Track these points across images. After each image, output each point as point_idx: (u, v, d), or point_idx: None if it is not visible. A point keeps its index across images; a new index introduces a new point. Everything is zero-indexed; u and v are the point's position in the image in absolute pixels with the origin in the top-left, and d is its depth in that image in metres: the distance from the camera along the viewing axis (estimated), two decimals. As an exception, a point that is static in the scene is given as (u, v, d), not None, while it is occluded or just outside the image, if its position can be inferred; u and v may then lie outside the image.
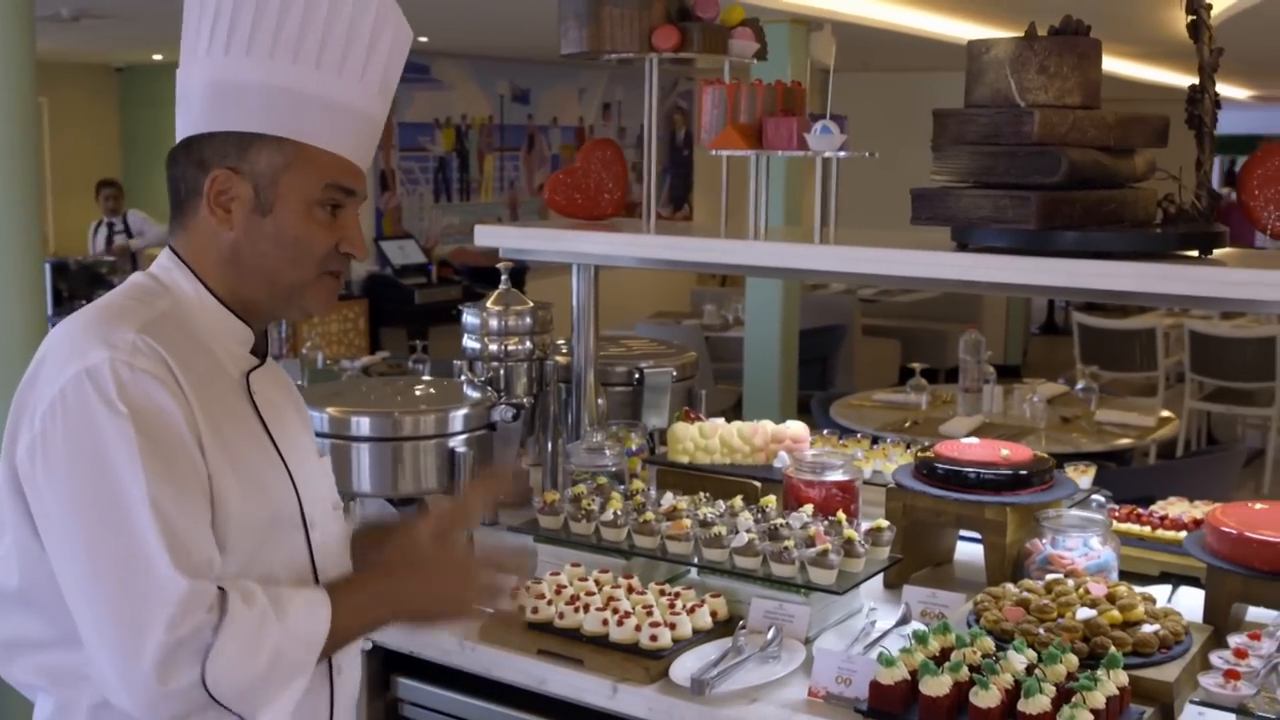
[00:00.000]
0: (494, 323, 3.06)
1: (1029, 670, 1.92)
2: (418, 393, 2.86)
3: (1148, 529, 2.62)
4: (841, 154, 2.50)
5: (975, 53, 2.31)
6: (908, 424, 5.46)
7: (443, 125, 10.96)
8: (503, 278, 3.13)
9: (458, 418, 2.72)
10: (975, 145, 2.28)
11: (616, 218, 2.99)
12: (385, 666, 2.47)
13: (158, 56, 11.43)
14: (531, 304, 3.11)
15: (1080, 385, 5.83)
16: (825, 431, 3.15)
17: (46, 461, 1.58)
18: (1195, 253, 2.24)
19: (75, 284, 9.13)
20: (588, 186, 2.95)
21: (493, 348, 3.06)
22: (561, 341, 3.16)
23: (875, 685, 1.92)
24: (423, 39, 9.58)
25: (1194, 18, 2.28)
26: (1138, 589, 2.24)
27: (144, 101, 12.30)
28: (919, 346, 10.01)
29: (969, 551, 2.66)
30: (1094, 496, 2.75)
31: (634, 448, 2.98)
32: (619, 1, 2.67)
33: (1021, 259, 2.23)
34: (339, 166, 1.74)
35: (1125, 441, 5.44)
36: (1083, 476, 2.80)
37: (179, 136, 1.75)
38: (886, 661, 1.92)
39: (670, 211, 13.23)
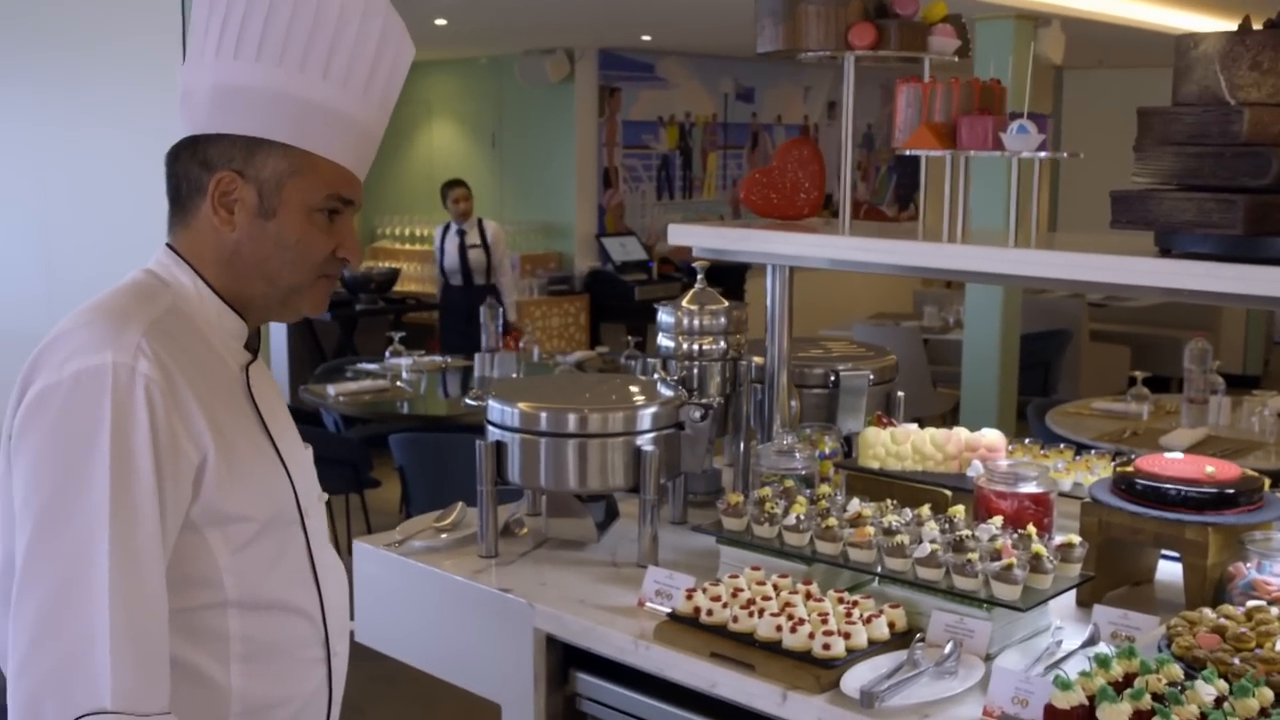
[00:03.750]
0: (688, 321, 3.05)
1: (1218, 703, 1.81)
2: (608, 390, 2.87)
3: (1369, 556, 2.46)
4: (1042, 154, 2.41)
5: (1184, 48, 2.20)
6: (1126, 434, 5.25)
7: (666, 123, 11.02)
8: (699, 276, 3.11)
9: (646, 416, 2.71)
10: (1180, 146, 2.17)
11: (815, 217, 2.95)
12: (564, 660, 2.49)
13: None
14: (726, 304, 3.08)
15: (1316, 398, 5.51)
16: (1027, 441, 3.05)
17: (25, 448, 1.58)
18: None
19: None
20: (784, 186, 2.92)
21: (686, 346, 3.05)
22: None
23: (1050, 709, 1.84)
24: (646, 37, 9.65)
25: None
26: (1351, 620, 2.10)
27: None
28: (1150, 353, 9.62)
29: (1173, 572, 2.54)
30: (1315, 519, 2.60)
31: (827, 451, 2.94)
32: (816, -2, 2.63)
33: (1227, 266, 2.11)
34: (340, 176, 1.78)
35: (1366, 461, 5.12)
36: (1301, 497, 2.64)
37: (183, 134, 1.77)
38: (1062, 685, 1.84)
39: (895, 211, 13.04)
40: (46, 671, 1.52)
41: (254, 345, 1.85)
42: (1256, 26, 2.16)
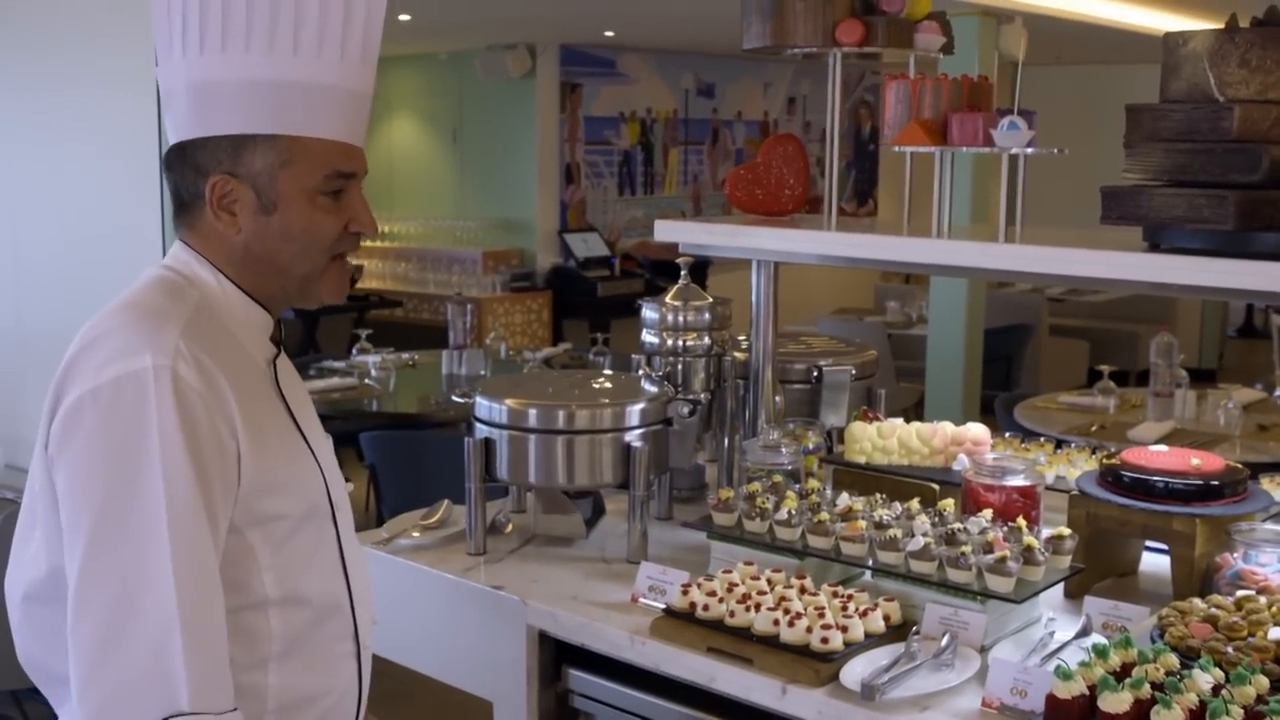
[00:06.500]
0: (672, 318, 3.05)
1: (1215, 691, 1.84)
2: (595, 387, 2.88)
3: (1349, 545, 2.50)
4: (1029, 151, 2.44)
5: (1172, 45, 2.22)
6: (1094, 428, 5.30)
7: (627, 119, 11.02)
8: (682, 273, 3.12)
9: (634, 412, 2.72)
10: (1170, 142, 2.20)
11: (798, 214, 2.97)
12: (557, 657, 2.49)
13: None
14: (710, 299, 3.09)
15: (1279, 391, 5.59)
16: (1007, 434, 3.08)
17: (69, 456, 1.56)
18: None
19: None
20: (769, 182, 2.93)
21: (671, 343, 3.06)
22: (743, 338, 3.14)
23: (1051, 699, 1.86)
24: (608, 33, 9.64)
25: None
26: (1337, 608, 2.14)
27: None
28: (1108, 347, 9.73)
29: (1156, 563, 2.57)
30: (1292, 509, 2.64)
31: (811, 446, 2.95)
32: (803, -4, 2.64)
33: (1217, 261, 2.14)
34: (335, 152, 1.74)
35: (1329, 452, 5.19)
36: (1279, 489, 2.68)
37: (171, 139, 1.74)
38: (1064, 675, 1.86)
39: (855, 207, 13.08)
40: (116, 684, 1.50)
41: (278, 337, 1.83)
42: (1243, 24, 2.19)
